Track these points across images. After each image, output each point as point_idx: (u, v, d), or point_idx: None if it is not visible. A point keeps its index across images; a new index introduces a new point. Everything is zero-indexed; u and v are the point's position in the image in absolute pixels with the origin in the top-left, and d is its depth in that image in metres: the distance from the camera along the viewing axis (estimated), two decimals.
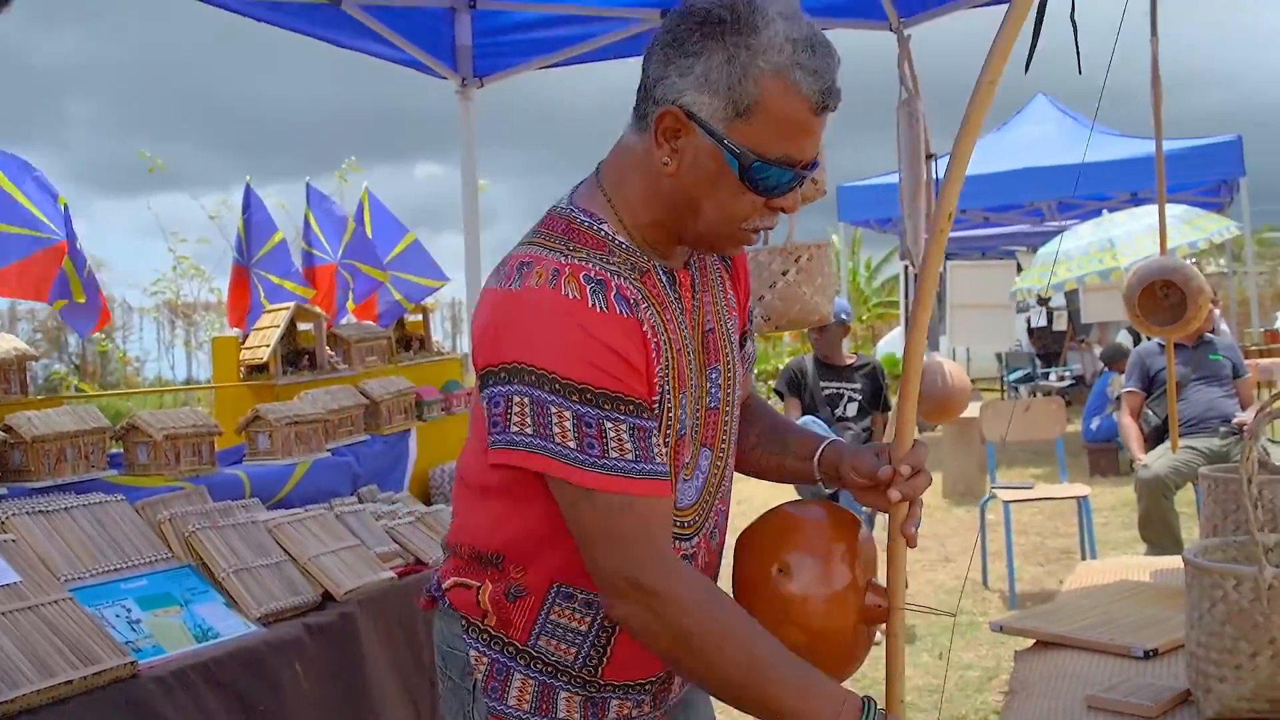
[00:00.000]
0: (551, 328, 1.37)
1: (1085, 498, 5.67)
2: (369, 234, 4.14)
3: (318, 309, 3.80)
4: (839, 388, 5.75)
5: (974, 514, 6.43)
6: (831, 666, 1.56)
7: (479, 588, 1.56)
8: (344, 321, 4.22)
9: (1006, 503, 5.67)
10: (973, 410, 6.96)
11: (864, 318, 25.87)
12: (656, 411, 1.45)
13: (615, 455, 1.38)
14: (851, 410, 5.72)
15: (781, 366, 7.14)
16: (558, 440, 1.37)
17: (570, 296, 1.39)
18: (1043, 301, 14.71)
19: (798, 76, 1.35)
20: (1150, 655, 2.38)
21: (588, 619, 1.54)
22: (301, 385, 3.48)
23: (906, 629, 5.08)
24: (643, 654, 1.52)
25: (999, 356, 16.26)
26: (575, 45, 4.37)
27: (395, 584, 2.66)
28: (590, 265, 1.43)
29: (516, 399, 1.38)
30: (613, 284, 1.42)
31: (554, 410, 1.37)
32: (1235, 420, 5.52)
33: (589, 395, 1.37)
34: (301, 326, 3.68)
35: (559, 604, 1.53)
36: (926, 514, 6.13)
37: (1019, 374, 15.67)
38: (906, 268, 13.99)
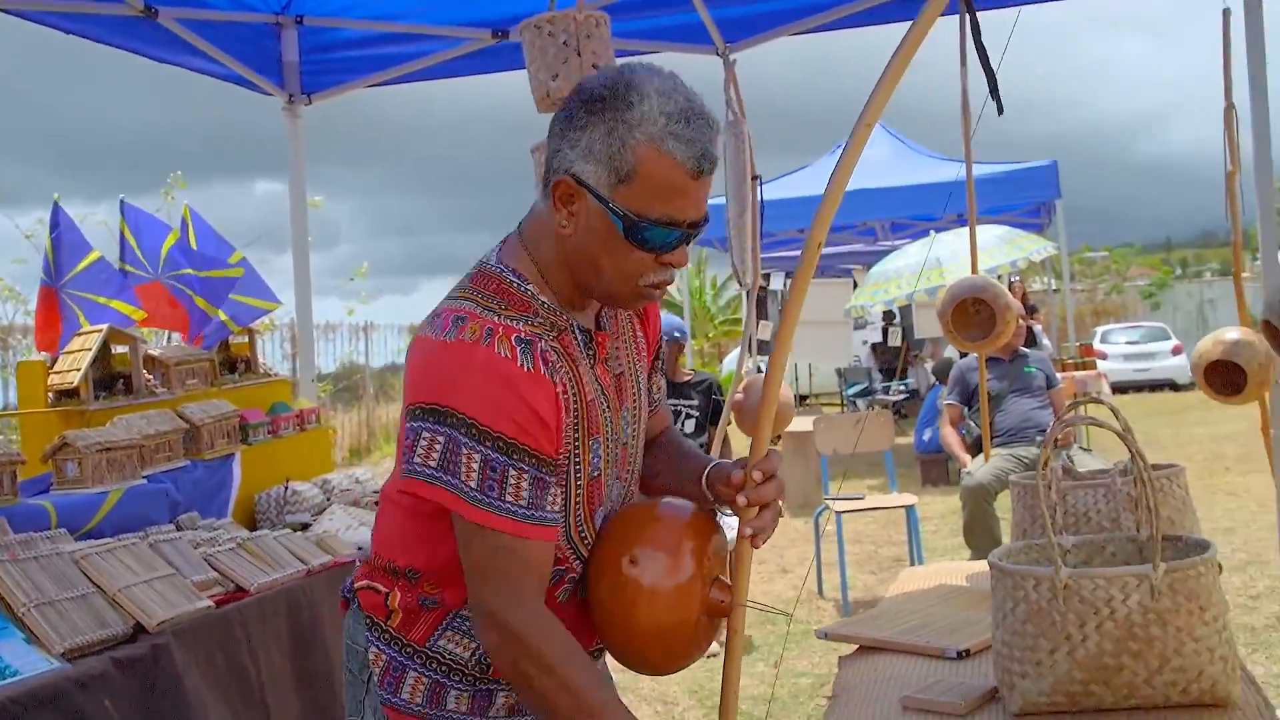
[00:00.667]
0: (479, 380, 1.50)
1: (912, 507, 5.88)
2: (196, 257, 3.99)
3: (137, 331, 3.65)
4: (676, 404, 5.82)
5: (811, 525, 6.58)
6: (671, 654, 1.67)
7: (388, 594, 1.68)
8: (172, 343, 4.08)
9: (839, 513, 5.83)
10: (808, 424, 7.13)
11: (710, 335, 26.28)
12: (564, 464, 1.59)
13: (511, 500, 1.51)
14: (689, 427, 5.80)
15: None
16: (461, 478, 1.50)
17: (502, 355, 1.52)
18: (889, 319, 15.21)
19: (670, 146, 1.49)
20: (963, 655, 2.48)
21: None
22: (116, 410, 3.33)
23: (745, 639, 5.20)
24: None
25: (838, 372, 16.75)
26: (405, 64, 4.33)
27: (212, 612, 2.57)
28: (520, 327, 1.56)
29: (429, 435, 1.51)
30: (539, 346, 1.56)
31: (465, 451, 1.50)
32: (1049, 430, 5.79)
33: (501, 444, 1.50)
34: (116, 349, 3.53)
35: (463, 618, 1.66)
36: None
37: (857, 388, 16.16)
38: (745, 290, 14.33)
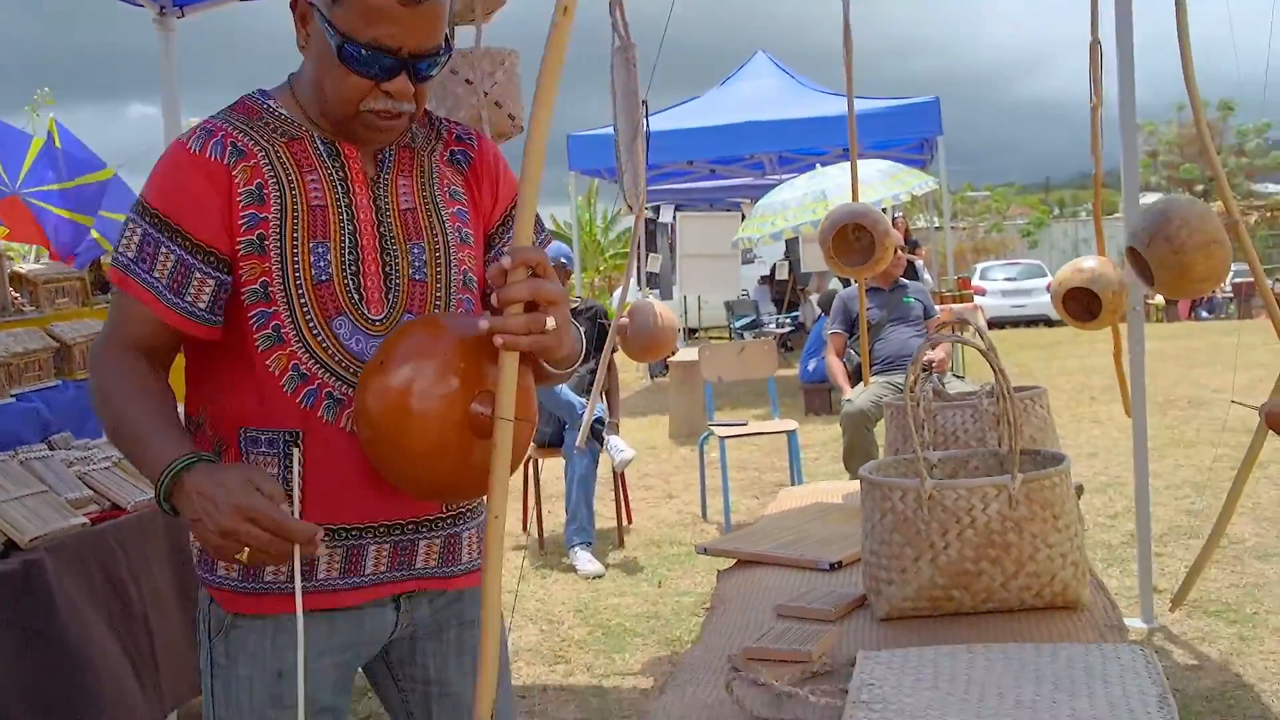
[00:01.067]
0: (159, 166, 1.60)
1: (793, 432, 6.03)
2: (61, 164, 3.84)
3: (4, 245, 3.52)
4: None
5: (696, 452, 6.70)
6: (430, 467, 1.54)
7: None
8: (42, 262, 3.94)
9: (723, 439, 5.95)
10: (694, 354, 7.23)
11: (601, 268, 26.25)
12: (240, 254, 1.57)
13: (155, 276, 1.56)
14: None
15: None
16: (122, 250, 1.59)
17: (182, 142, 1.59)
18: (790, 256, 15.40)
19: None
20: (835, 567, 2.58)
21: (274, 460, 1.60)
22: None
23: (630, 561, 5.31)
24: (336, 494, 1.60)
25: (727, 305, 16.94)
26: None
27: (89, 529, 2.53)
28: (222, 124, 1.61)
29: (130, 226, 1.59)
30: (221, 132, 1.59)
31: (130, 226, 1.58)
32: (925, 357, 5.98)
33: (155, 219, 1.56)
34: None
35: (250, 452, 1.60)
36: (653, 454, 6.42)
37: (745, 321, 16.38)
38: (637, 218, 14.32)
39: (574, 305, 5.96)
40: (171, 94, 4.19)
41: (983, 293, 19.37)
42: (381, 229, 1.65)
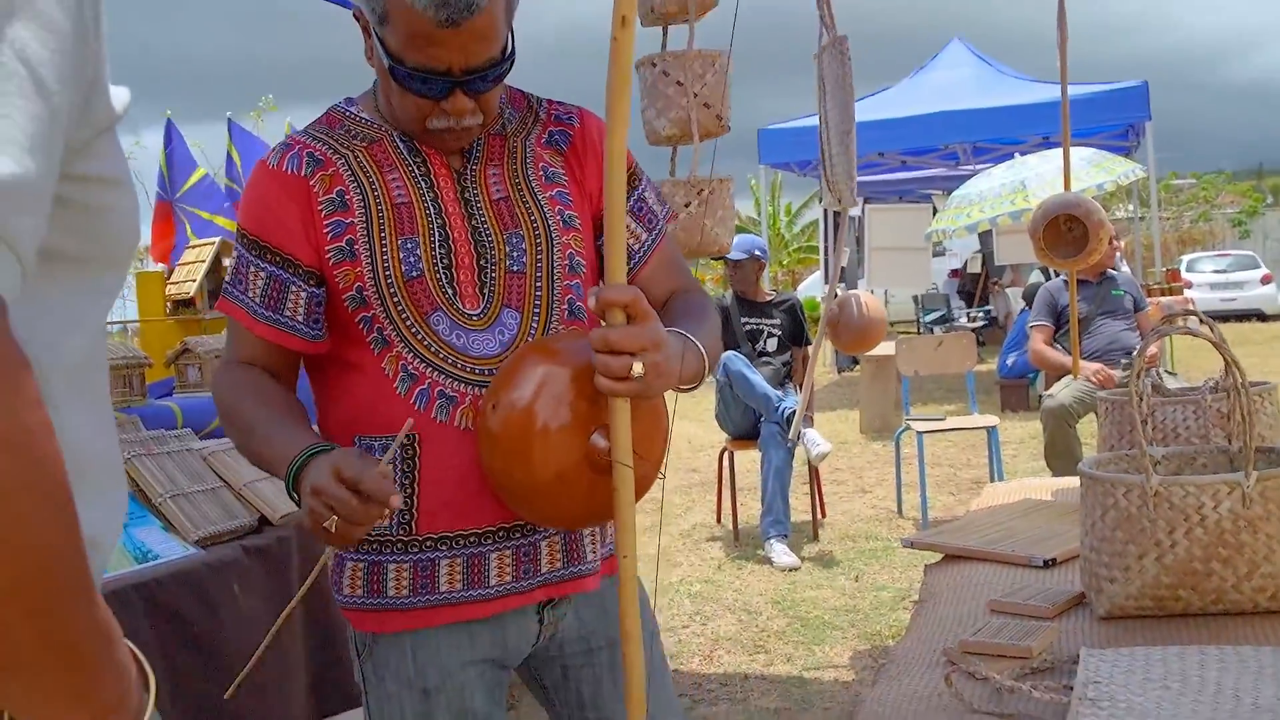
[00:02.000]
0: (245, 185, 1.67)
1: (994, 428, 5.90)
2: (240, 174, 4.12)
3: None
4: (759, 323, 5.88)
5: (890, 448, 6.63)
6: (543, 504, 1.54)
7: None
8: None
9: (920, 433, 5.87)
10: (888, 348, 7.15)
11: (784, 262, 26.14)
12: (334, 261, 1.58)
13: (249, 295, 1.61)
14: (771, 345, 5.87)
15: None
16: (228, 278, 1.66)
17: (264, 159, 1.64)
18: (983, 249, 15.01)
19: None
20: (1049, 564, 2.53)
21: (389, 467, 1.55)
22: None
23: (826, 555, 5.31)
24: (451, 502, 1.58)
25: (915, 299, 16.62)
26: None
27: (231, 558, 2.71)
28: (301, 137, 1.64)
29: (234, 250, 1.67)
30: (299, 144, 1.61)
31: (235, 254, 1.65)
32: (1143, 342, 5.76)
33: (245, 239, 1.62)
34: (227, 261, 3.69)
35: None
36: (844, 449, 6.39)
37: (935, 315, 16.04)
38: (826, 211, 14.21)
39: (770, 298, 5.99)
40: None
41: (1189, 285, 18.44)
42: (473, 221, 1.62)
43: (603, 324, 1.43)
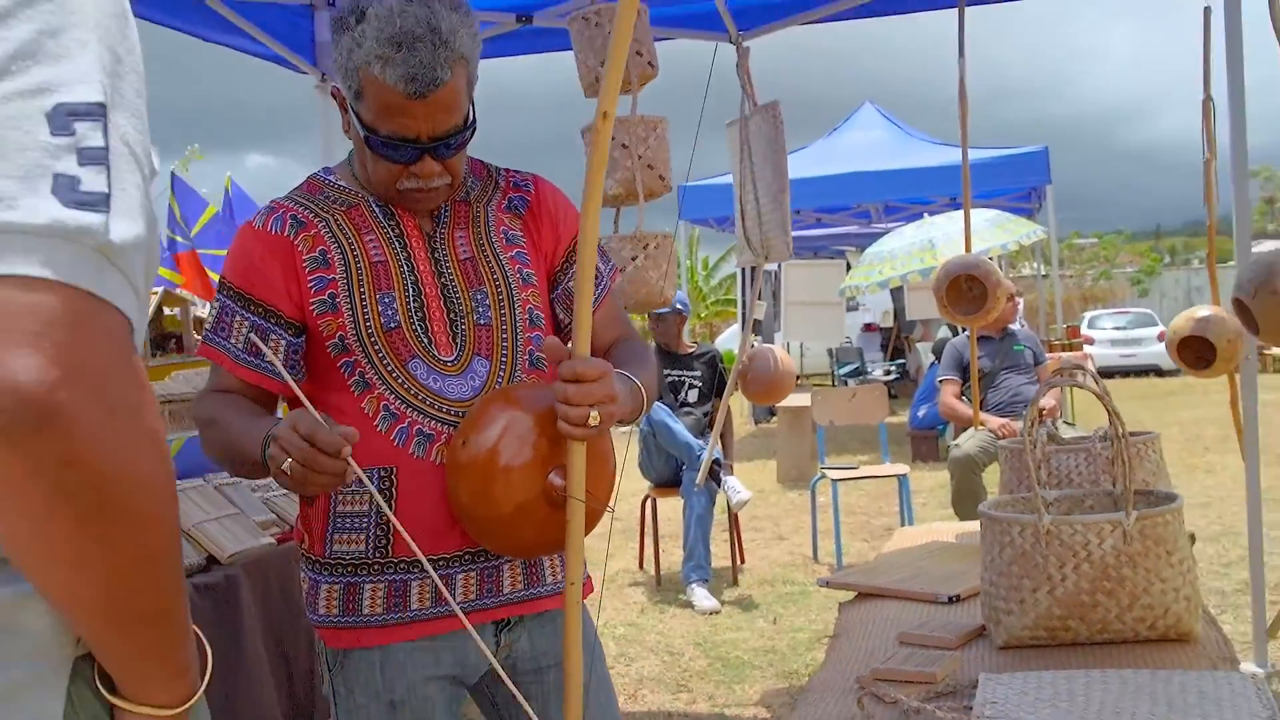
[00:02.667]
0: (233, 243, 1.83)
1: (905, 476, 6.14)
2: (235, 219, 4.22)
3: (185, 293, 3.87)
4: (680, 375, 6.07)
5: (806, 496, 6.84)
6: (504, 535, 1.69)
7: (297, 516, 1.86)
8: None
9: (835, 481, 6.09)
10: (804, 399, 7.39)
11: (702, 315, 26.48)
12: (318, 313, 1.73)
13: (231, 341, 1.75)
14: (693, 396, 6.05)
15: None
16: (209, 326, 1.78)
17: (250, 221, 1.80)
18: (895, 304, 15.38)
19: (379, 69, 1.60)
20: (954, 600, 2.72)
21: (365, 500, 1.74)
22: (172, 367, 3.56)
23: (745, 598, 5.47)
24: (424, 529, 1.70)
25: (830, 352, 17.01)
26: None
27: (274, 548, 2.82)
28: (285, 202, 1.80)
29: (215, 301, 1.82)
30: (282, 208, 1.78)
31: (217, 303, 1.79)
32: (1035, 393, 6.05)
33: (230, 291, 1.76)
34: (168, 311, 3.76)
35: (341, 491, 1.74)
36: (761, 497, 6.61)
37: (849, 368, 16.43)
38: (743, 269, 14.51)
39: (690, 350, 6.18)
40: (329, 150, 4.55)
41: (1091, 342, 19.09)
42: (442, 279, 1.78)
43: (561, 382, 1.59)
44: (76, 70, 0.80)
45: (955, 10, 3.81)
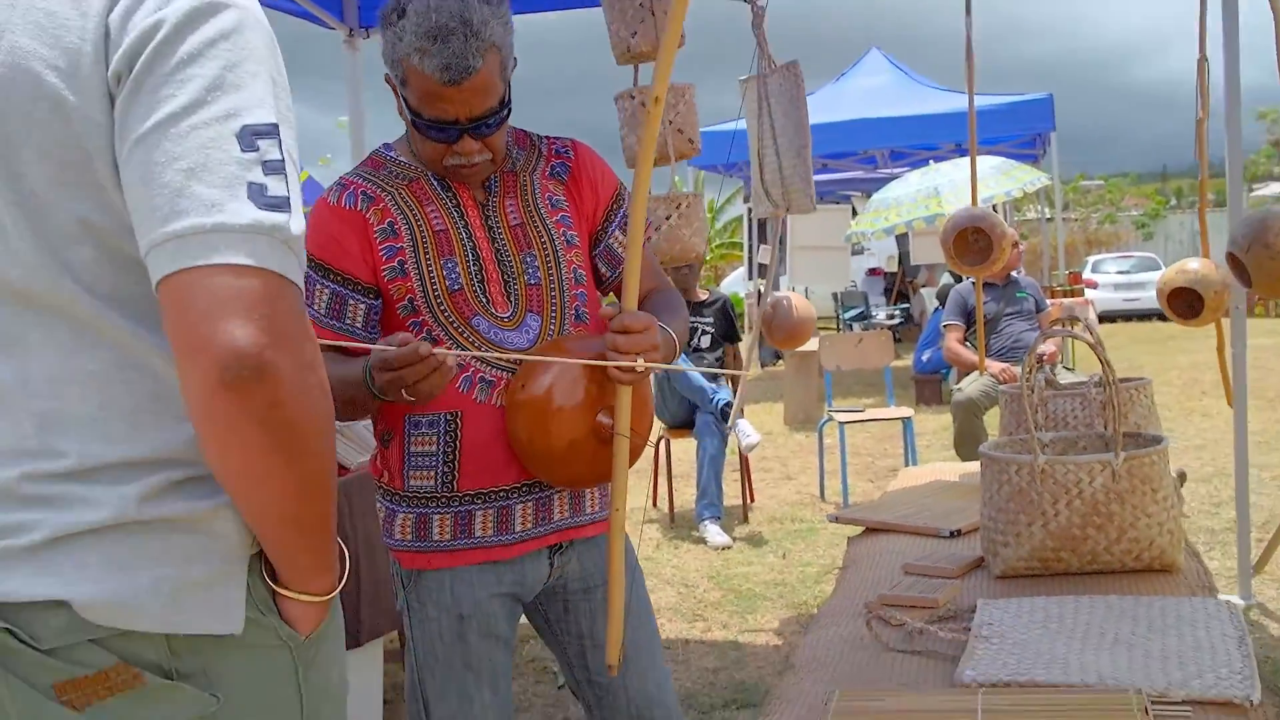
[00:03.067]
0: (310, 217, 1.92)
1: (909, 419, 6.35)
2: None
3: None
4: (694, 322, 6.26)
5: (813, 438, 7.05)
6: (557, 467, 1.91)
7: (374, 455, 2.07)
8: None
9: (841, 424, 6.31)
10: (812, 344, 7.58)
11: (708, 258, 26.57)
12: (384, 278, 1.92)
13: (315, 307, 1.92)
14: (705, 342, 6.25)
15: None
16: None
17: (324, 196, 1.97)
18: (900, 250, 15.48)
19: (418, 60, 1.79)
20: (955, 534, 2.92)
21: (435, 439, 1.94)
22: None
23: (755, 535, 5.72)
24: (487, 465, 1.94)
25: (835, 296, 17.17)
26: None
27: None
28: (354, 178, 1.98)
29: None
30: (353, 185, 1.96)
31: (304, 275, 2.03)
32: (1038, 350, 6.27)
33: (312, 262, 1.91)
34: None
35: (413, 434, 1.95)
36: (770, 439, 6.87)
37: (853, 312, 16.60)
38: (749, 210, 14.61)
39: (702, 297, 6.37)
40: (357, 106, 4.71)
41: (1094, 286, 19.14)
42: (496, 244, 1.97)
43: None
44: (254, 96, 1.02)
45: None
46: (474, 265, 1.96)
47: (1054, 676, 1.90)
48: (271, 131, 1.03)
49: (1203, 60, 3.84)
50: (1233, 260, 3.13)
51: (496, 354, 1.92)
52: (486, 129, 1.88)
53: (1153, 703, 1.78)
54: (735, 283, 19.31)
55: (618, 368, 1.78)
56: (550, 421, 1.86)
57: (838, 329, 16.30)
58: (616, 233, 2.14)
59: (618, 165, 3.07)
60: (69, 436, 1.06)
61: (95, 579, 1.04)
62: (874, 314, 16.56)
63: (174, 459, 1.09)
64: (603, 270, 2.13)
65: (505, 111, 1.90)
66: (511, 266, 1.98)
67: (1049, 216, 15.82)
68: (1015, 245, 6.17)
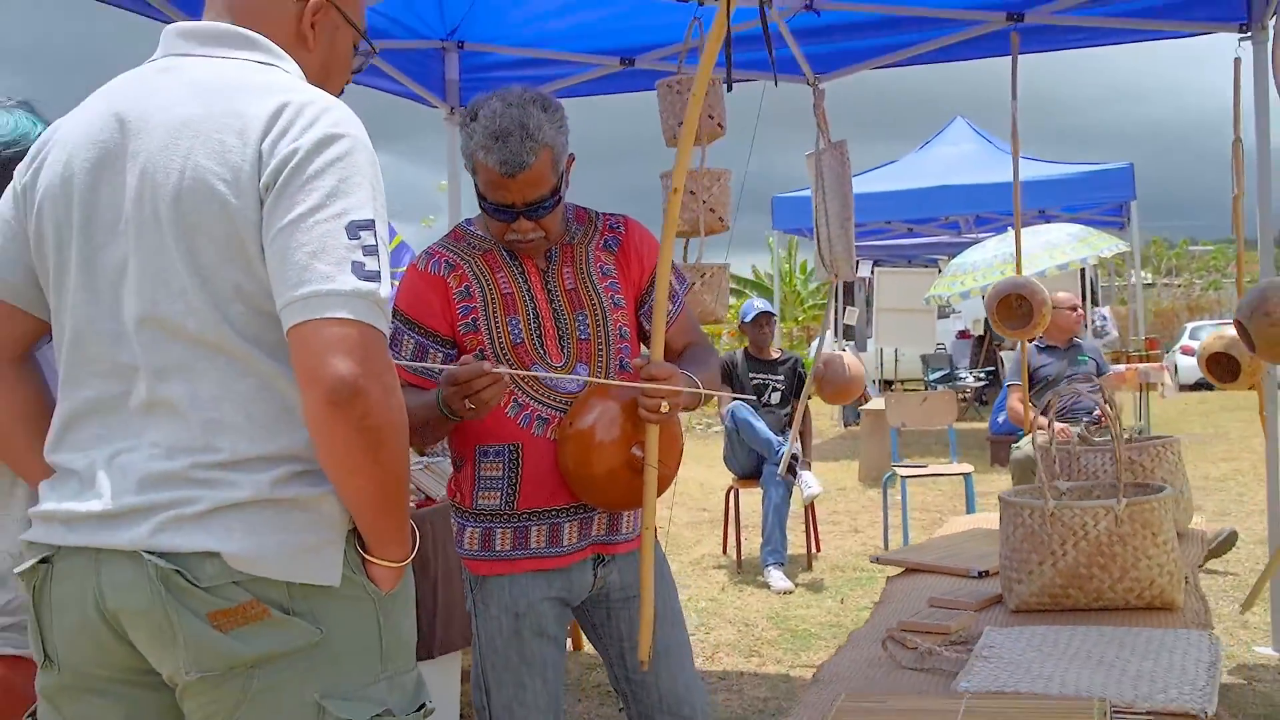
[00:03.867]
0: (403, 279, 2.33)
1: (969, 474, 6.56)
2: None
3: None
4: (765, 378, 6.58)
5: (882, 493, 7.29)
6: (601, 490, 2.24)
7: (450, 479, 2.42)
8: None
9: (904, 478, 6.55)
10: (880, 403, 7.84)
11: (800, 319, 26.72)
12: (461, 333, 2.27)
13: (403, 355, 2.27)
14: (775, 398, 6.56)
15: None
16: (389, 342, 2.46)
17: (415, 264, 2.34)
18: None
19: (482, 155, 2.16)
20: (983, 575, 3.16)
21: (500, 465, 2.29)
22: None
23: (817, 581, 5.96)
24: (543, 488, 2.27)
25: (922, 358, 17.27)
26: (546, 84, 5.09)
27: (414, 511, 3.43)
28: (439, 249, 2.34)
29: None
30: (438, 254, 2.33)
31: (391, 327, 2.35)
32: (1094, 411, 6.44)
33: (402, 318, 2.29)
34: None
35: (482, 461, 2.30)
36: (842, 494, 7.21)
37: (939, 374, 16.67)
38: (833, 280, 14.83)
39: (775, 356, 6.69)
40: (455, 175, 5.20)
41: (1191, 352, 18.86)
42: (554, 305, 2.31)
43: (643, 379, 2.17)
44: (358, 201, 1.45)
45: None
46: (534, 323, 2.31)
47: (1036, 688, 2.17)
48: (369, 225, 1.45)
49: (1238, 141, 4.10)
50: (1239, 327, 3.37)
51: (540, 375, 2.28)
52: (539, 213, 2.23)
53: (1119, 712, 2.04)
54: (828, 343, 19.48)
55: (646, 409, 2.13)
56: (592, 453, 2.21)
57: (925, 390, 16.36)
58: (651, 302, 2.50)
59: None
60: (224, 438, 1.47)
61: (239, 539, 1.44)
62: (961, 376, 16.61)
63: (296, 456, 1.48)
64: (645, 325, 2.48)
65: (556, 198, 2.25)
66: (566, 324, 2.33)
67: (1149, 282, 15.75)
68: (1074, 310, 6.38)
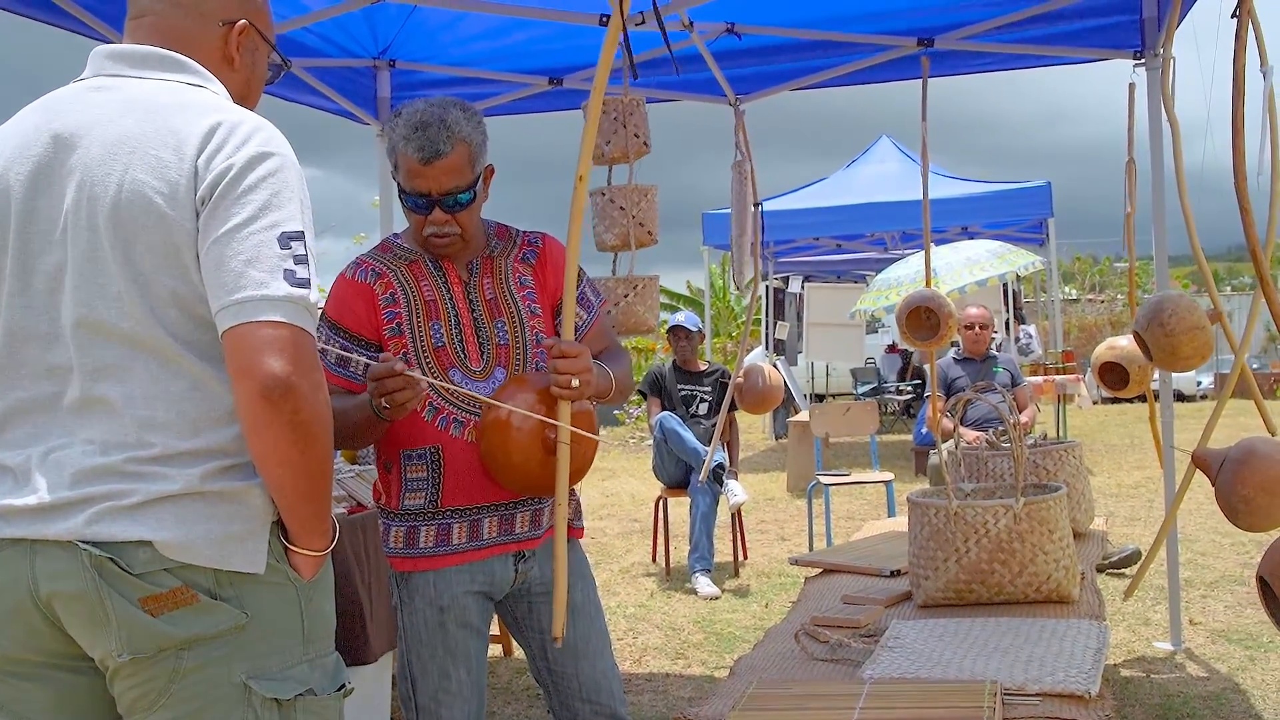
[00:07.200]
0: (332, 288, 2.47)
1: (890, 482, 6.76)
2: None
3: None
4: (693, 390, 6.72)
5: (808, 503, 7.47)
6: (517, 472, 2.31)
7: (374, 482, 2.52)
8: None
9: (827, 487, 6.73)
10: (805, 415, 8.03)
11: (734, 334, 26.98)
12: (386, 338, 2.38)
13: (329, 359, 2.37)
14: (703, 409, 6.70)
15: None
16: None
17: (343, 272, 2.46)
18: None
19: (403, 146, 2.29)
20: (894, 574, 3.29)
21: (424, 467, 2.40)
22: None
23: (743, 587, 6.11)
24: (464, 485, 2.38)
25: (852, 372, 17.59)
26: (479, 101, 5.21)
27: (345, 518, 3.49)
28: (367, 258, 2.47)
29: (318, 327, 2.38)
30: (366, 264, 2.44)
31: (321, 333, 2.38)
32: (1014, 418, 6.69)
33: (328, 322, 2.40)
34: None
35: (408, 464, 2.40)
36: (770, 503, 7.40)
37: (867, 387, 17.00)
38: (768, 288, 15.13)
39: (702, 368, 6.84)
40: (388, 191, 5.27)
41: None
42: (474, 313, 2.44)
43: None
44: (289, 214, 1.57)
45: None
46: (455, 328, 2.43)
47: (935, 674, 2.31)
48: (299, 236, 1.58)
49: (1131, 162, 4.33)
50: (1137, 338, 3.57)
51: (452, 388, 2.37)
52: (454, 206, 2.35)
53: (1010, 694, 2.19)
54: (758, 358, 19.73)
55: (558, 385, 2.23)
56: (510, 438, 2.29)
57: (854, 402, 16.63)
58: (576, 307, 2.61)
59: (588, 252, 3.59)
60: (156, 434, 1.57)
61: (170, 528, 1.54)
62: (888, 389, 16.94)
63: (224, 451, 1.59)
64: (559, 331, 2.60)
65: (470, 193, 2.36)
66: (485, 330, 2.46)
67: (1074, 298, 16.18)
68: (985, 328, 6.63)
